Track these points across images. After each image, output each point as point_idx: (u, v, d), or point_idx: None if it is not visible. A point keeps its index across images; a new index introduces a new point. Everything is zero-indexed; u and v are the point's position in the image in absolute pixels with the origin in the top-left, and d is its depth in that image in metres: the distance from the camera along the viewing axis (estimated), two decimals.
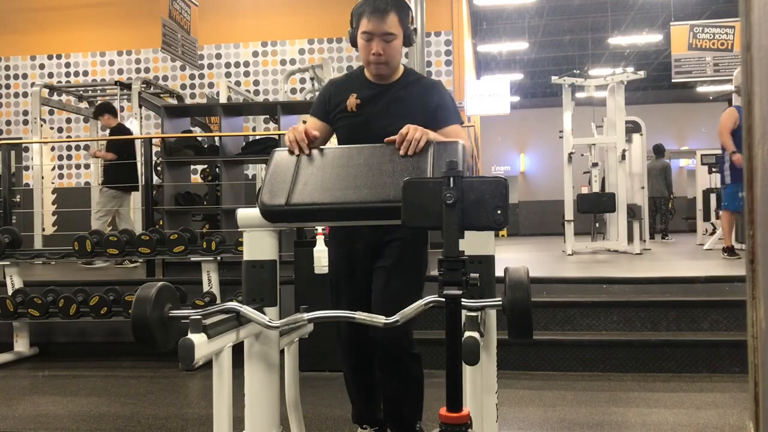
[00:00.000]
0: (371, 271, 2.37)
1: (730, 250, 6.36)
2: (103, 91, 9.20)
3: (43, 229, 7.51)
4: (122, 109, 8.49)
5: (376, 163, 2.07)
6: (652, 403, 3.52)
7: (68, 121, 10.67)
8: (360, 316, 1.85)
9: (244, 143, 6.43)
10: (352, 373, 2.51)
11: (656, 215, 11.03)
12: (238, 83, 10.39)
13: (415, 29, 2.33)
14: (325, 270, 2.89)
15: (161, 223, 6.06)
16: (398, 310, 1.78)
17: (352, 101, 2.34)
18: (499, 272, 1.80)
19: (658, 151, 11.22)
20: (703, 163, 10.20)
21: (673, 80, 10.91)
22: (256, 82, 10.58)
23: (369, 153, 2.06)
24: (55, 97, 8.63)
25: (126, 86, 8.00)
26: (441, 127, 2.24)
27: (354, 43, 2.34)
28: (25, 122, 10.65)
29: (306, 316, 1.88)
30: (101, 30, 10.74)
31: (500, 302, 1.69)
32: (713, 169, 10.00)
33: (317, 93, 2.52)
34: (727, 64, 10.29)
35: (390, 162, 2.05)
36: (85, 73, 10.78)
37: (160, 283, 1.77)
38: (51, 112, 10.37)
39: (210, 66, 10.63)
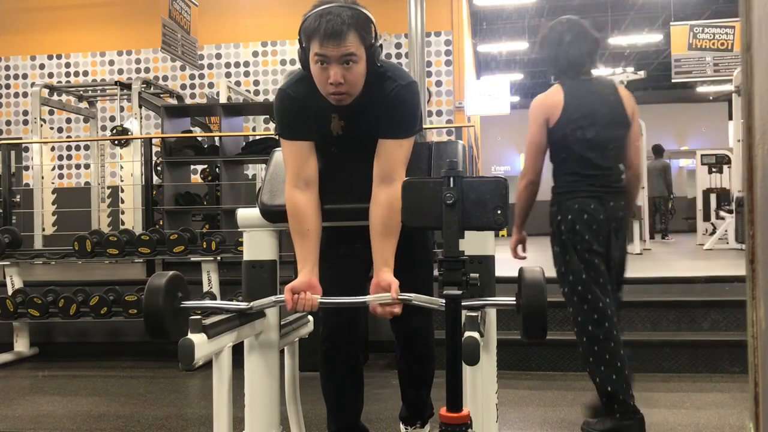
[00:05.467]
0: (369, 268, 2.33)
1: None
2: (103, 91, 9.20)
3: (43, 229, 7.51)
4: (122, 109, 8.49)
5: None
6: (652, 403, 3.52)
7: (68, 121, 10.66)
8: (368, 298, 1.85)
9: (244, 143, 6.43)
10: (340, 377, 2.33)
11: (656, 215, 11.03)
12: (238, 83, 10.38)
13: (381, 46, 1.98)
14: None
15: (161, 223, 6.06)
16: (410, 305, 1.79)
17: (336, 125, 2.04)
18: (512, 272, 1.77)
19: (657, 151, 11.23)
20: (703, 163, 10.19)
21: (673, 80, 10.90)
22: (256, 82, 10.57)
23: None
24: (55, 97, 8.62)
25: (126, 86, 7.99)
26: (381, 137, 2.01)
27: (305, 66, 1.96)
28: (25, 122, 10.64)
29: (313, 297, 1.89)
30: (101, 30, 10.72)
31: (514, 302, 1.69)
32: (713, 169, 10.00)
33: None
34: (727, 64, 10.28)
35: None
36: (85, 73, 10.77)
37: (171, 273, 1.77)
38: (51, 112, 10.36)
39: (210, 66, 10.62)
